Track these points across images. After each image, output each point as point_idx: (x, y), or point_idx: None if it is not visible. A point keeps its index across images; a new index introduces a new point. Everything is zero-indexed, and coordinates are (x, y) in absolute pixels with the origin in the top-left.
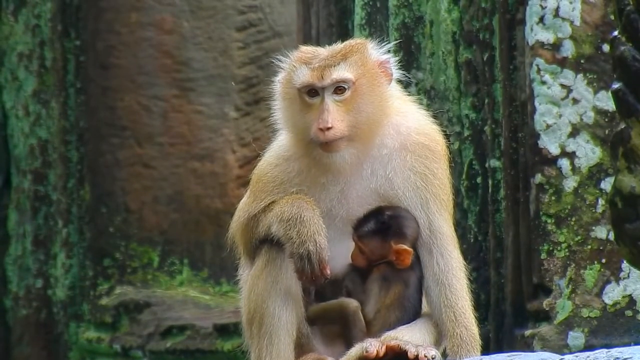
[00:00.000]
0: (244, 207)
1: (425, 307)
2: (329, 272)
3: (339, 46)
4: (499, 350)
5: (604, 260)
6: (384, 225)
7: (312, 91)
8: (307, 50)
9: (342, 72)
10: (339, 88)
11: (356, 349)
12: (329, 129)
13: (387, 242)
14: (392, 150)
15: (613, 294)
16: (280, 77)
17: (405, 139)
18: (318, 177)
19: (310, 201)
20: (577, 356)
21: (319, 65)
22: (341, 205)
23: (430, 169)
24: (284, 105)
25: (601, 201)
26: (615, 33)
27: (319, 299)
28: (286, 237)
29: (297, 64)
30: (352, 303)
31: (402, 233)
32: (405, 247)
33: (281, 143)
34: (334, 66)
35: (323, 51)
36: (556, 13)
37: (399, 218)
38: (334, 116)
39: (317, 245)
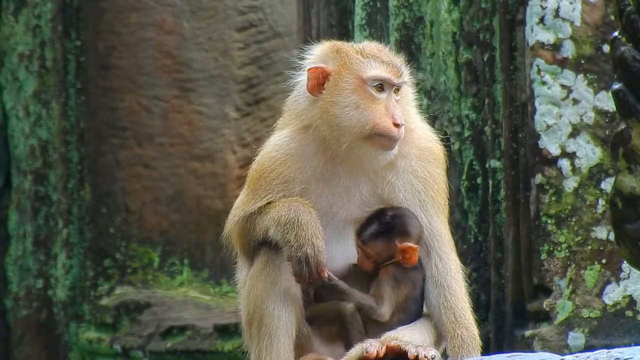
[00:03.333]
0: (241, 205)
1: (424, 307)
2: (326, 275)
3: (380, 45)
4: (499, 350)
5: (604, 261)
6: (387, 225)
7: (380, 86)
8: (360, 46)
9: (407, 73)
10: (397, 88)
11: (356, 350)
12: (402, 125)
13: (392, 242)
14: (397, 154)
15: (613, 294)
16: (327, 67)
17: (411, 142)
18: (326, 174)
19: (307, 204)
20: (577, 357)
21: (392, 62)
22: (342, 204)
23: (431, 173)
24: (339, 96)
25: (601, 202)
26: (616, 33)
27: (317, 299)
28: (284, 240)
29: (363, 58)
30: (349, 304)
31: (406, 232)
32: (410, 244)
33: (284, 138)
34: (404, 67)
35: (377, 50)
36: (556, 13)
37: (402, 217)
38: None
39: (315, 248)
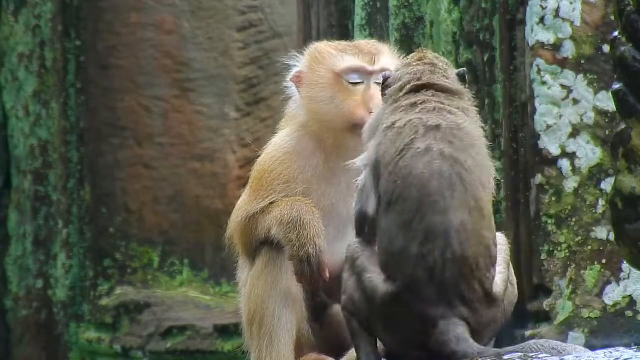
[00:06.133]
0: (244, 205)
1: None
2: (328, 275)
3: (367, 41)
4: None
5: (604, 261)
6: None
7: (356, 77)
8: (337, 42)
9: (388, 60)
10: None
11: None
12: None
13: None
14: None
15: (613, 294)
16: (303, 68)
17: None
18: (326, 174)
19: (310, 204)
20: (577, 357)
21: (368, 51)
22: (345, 203)
23: None
24: (314, 92)
25: (601, 202)
26: (616, 33)
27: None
28: (286, 240)
29: (336, 52)
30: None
31: None
32: None
33: (285, 138)
34: (382, 54)
35: (357, 42)
36: (556, 14)
37: None
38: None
39: (317, 248)
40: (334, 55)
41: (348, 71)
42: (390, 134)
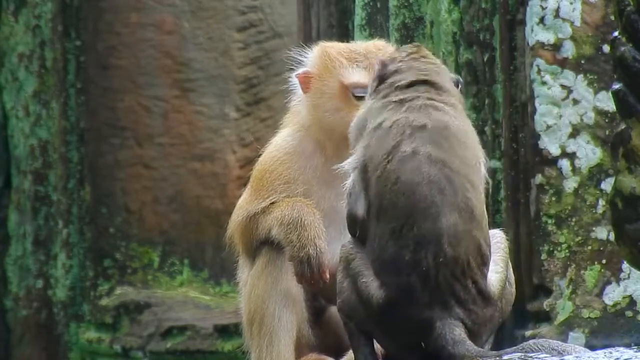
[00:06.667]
0: (244, 205)
1: None
2: (328, 276)
3: (377, 46)
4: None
5: (604, 261)
6: None
7: (363, 91)
8: (347, 47)
9: None
10: None
11: None
12: None
13: None
14: None
15: (613, 294)
16: (311, 70)
17: None
18: (326, 175)
19: (311, 205)
20: (577, 357)
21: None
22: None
23: None
24: (320, 100)
25: (601, 202)
26: (616, 33)
27: (316, 298)
28: (286, 240)
29: (347, 62)
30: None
31: None
32: None
33: (287, 138)
34: None
35: (367, 49)
36: (556, 14)
37: None
38: None
39: (317, 249)
40: (344, 65)
41: (356, 86)
42: (377, 135)
